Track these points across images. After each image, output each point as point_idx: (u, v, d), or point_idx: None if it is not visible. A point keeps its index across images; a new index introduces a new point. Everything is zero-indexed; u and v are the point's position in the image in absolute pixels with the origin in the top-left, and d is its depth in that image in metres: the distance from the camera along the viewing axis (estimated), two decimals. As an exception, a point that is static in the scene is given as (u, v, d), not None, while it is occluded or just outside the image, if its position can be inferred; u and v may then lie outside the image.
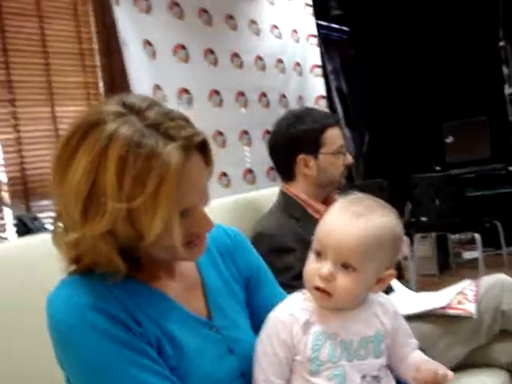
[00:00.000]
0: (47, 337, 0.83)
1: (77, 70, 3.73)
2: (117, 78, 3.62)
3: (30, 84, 3.54)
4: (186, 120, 0.85)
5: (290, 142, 1.82)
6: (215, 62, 4.08)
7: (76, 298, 0.82)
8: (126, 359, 0.79)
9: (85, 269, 0.85)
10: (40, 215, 3.07)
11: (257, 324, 1.00)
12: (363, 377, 0.93)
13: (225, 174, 3.97)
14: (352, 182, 4.63)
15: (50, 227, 0.88)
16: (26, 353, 1.01)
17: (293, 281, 1.44)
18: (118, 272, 0.84)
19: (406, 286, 1.99)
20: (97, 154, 0.78)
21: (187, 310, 0.92)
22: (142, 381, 0.80)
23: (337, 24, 5.51)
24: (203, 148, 0.86)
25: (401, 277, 2.13)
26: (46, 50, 3.47)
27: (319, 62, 5.10)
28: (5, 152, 3.36)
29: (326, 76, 5.20)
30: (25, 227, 2.97)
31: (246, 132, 4.24)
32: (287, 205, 1.83)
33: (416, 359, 1.01)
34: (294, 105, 4.66)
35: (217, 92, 4.05)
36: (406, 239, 2.21)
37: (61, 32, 3.55)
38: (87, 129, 0.81)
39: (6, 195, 3.31)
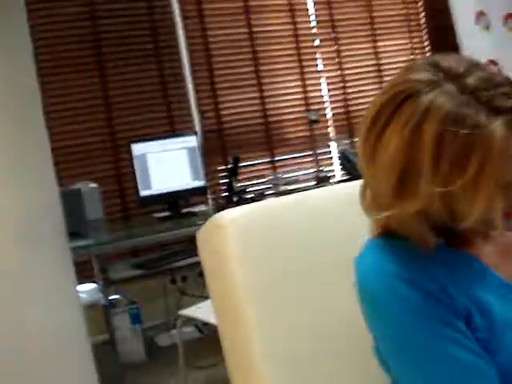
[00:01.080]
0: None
1: (398, 3, 3.72)
2: (438, 7, 3.51)
3: (352, 21, 3.66)
4: None
5: None
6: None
7: (382, 265, 0.81)
8: (431, 331, 0.78)
9: (392, 232, 0.83)
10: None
11: None
12: None
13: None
14: None
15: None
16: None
17: None
18: (428, 245, 0.80)
19: None
20: (410, 131, 0.73)
21: (502, 278, 0.85)
22: (450, 354, 0.77)
23: None
24: None
25: None
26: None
27: None
28: (330, 89, 3.58)
29: None
30: (348, 162, 3.14)
31: None
32: None
33: None
34: None
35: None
36: None
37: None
38: (399, 101, 0.75)
39: (331, 130, 3.54)
